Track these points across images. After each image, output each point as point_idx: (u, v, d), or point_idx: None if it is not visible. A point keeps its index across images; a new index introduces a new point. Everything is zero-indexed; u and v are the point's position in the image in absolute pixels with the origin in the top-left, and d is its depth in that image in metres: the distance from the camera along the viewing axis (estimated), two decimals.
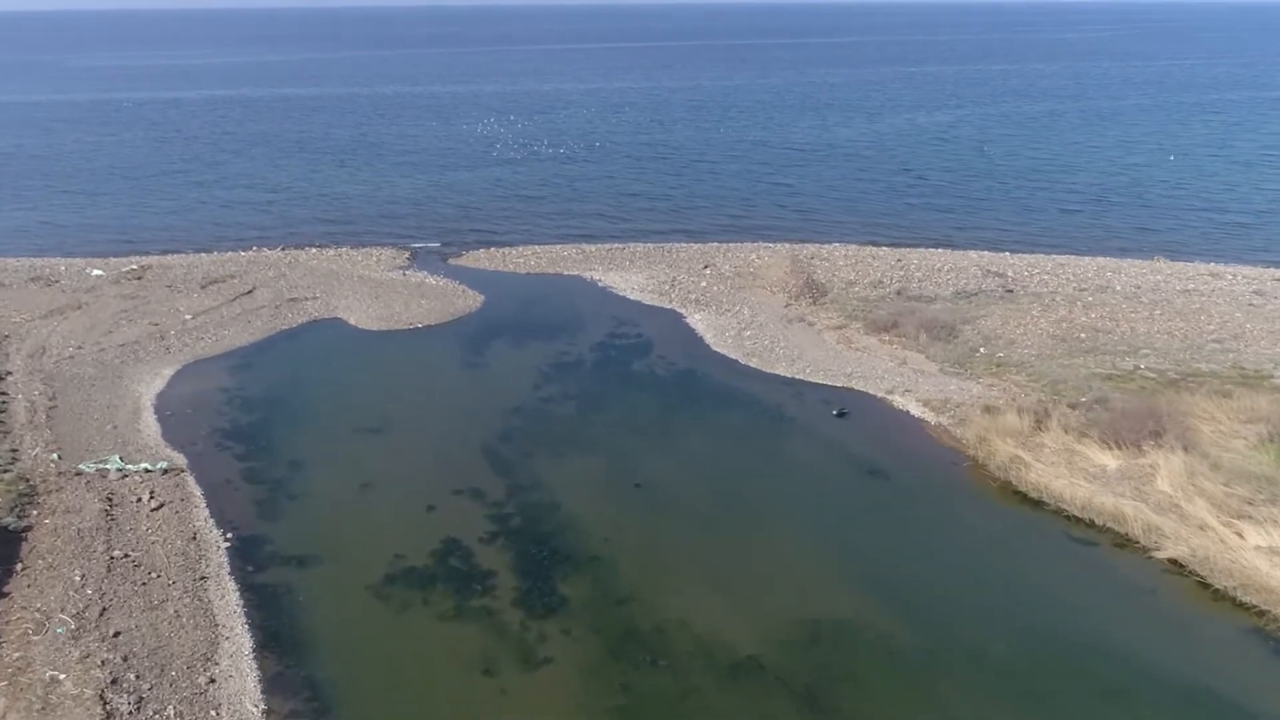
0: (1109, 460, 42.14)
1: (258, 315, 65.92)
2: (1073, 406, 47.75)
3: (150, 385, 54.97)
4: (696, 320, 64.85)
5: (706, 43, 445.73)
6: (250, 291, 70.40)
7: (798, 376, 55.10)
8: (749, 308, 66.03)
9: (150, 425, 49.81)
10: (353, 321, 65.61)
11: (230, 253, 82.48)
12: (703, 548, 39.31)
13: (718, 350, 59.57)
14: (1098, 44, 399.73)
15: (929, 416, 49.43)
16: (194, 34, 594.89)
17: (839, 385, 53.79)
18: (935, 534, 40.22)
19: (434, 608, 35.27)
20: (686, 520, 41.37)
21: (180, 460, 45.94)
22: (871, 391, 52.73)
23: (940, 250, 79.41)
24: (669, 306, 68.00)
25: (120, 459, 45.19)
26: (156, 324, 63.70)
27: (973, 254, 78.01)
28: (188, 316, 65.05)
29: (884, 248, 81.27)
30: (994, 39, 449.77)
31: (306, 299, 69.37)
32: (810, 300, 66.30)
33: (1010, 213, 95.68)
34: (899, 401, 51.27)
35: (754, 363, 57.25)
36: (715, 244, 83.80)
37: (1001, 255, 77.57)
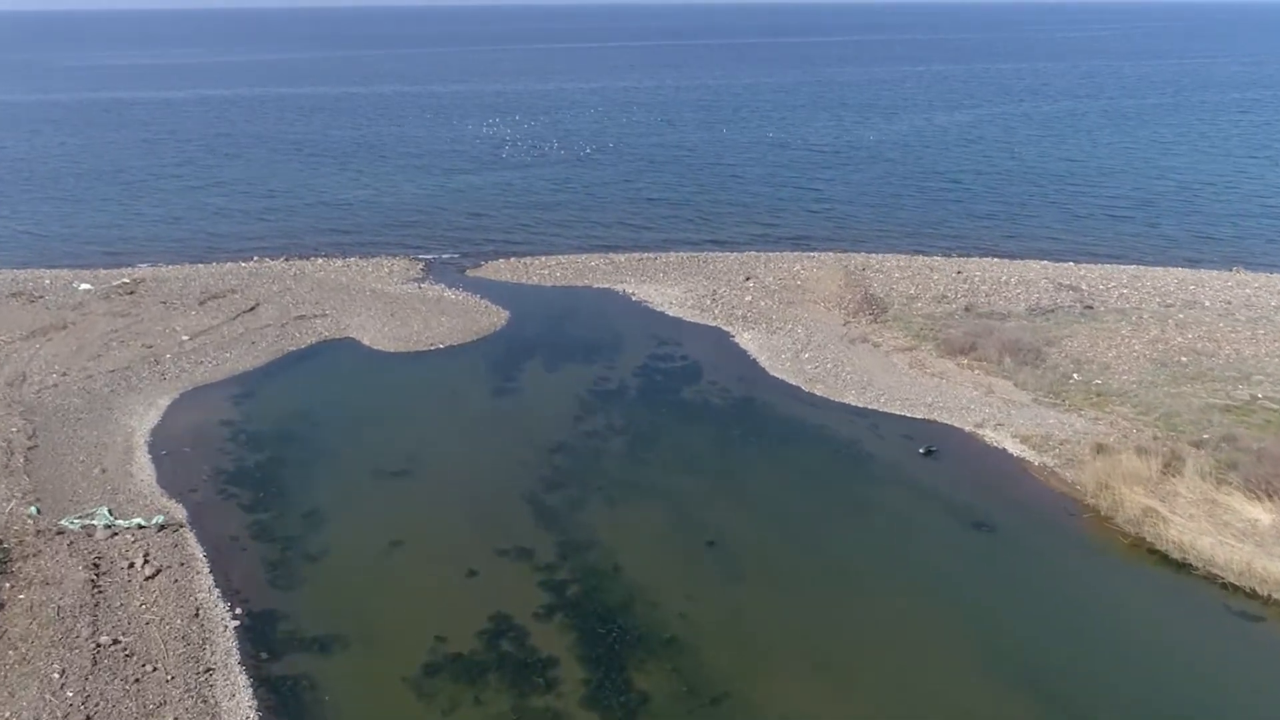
0: (1260, 513, 36.32)
1: (262, 335, 59.78)
2: (1196, 445, 41.95)
3: (144, 418, 48.84)
4: (746, 340, 58.92)
5: (706, 42, 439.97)
6: (253, 308, 64.25)
7: (871, 406, 49.20)
8: (803, 326, 60.09)
9: (144, 467, 43.72)
10: (367, 342, 59.55)
11: (230, 264, 76.30)
12: (797, 621, 33.39)
13: (776, 375, 53.63)
14: (1101, 43, 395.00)
15: (1030, 456, 43.57)
16: (187, 33, 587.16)
17: (919, 417, 47.92)
18: (1066, 603, 34.34)
19: (488, 708, 29.30)
20: (772, 586, 35.45)
21: (179, 512, 39.88)
22: (958, 425, 46.85)
23: (999, 260, 73.63)
24: (713, 324, 62.06)
25: (109, 512, 39.09)
26: (150, 346, 57.51)
27: (1035, 264, 72.24)
28: (185, 337, 58.87)
29: (935, 257, 75.46)
30: (997, 38, 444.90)
31: (315, 316, 63.23)
32: (870, 318, 60.42)
33: (1057, 219, 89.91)
34: (991, 437, 45.40)
35: (819, 390, 51.31)
36: (752, 253, 77.87)
37: (1066, 266, 71.86)
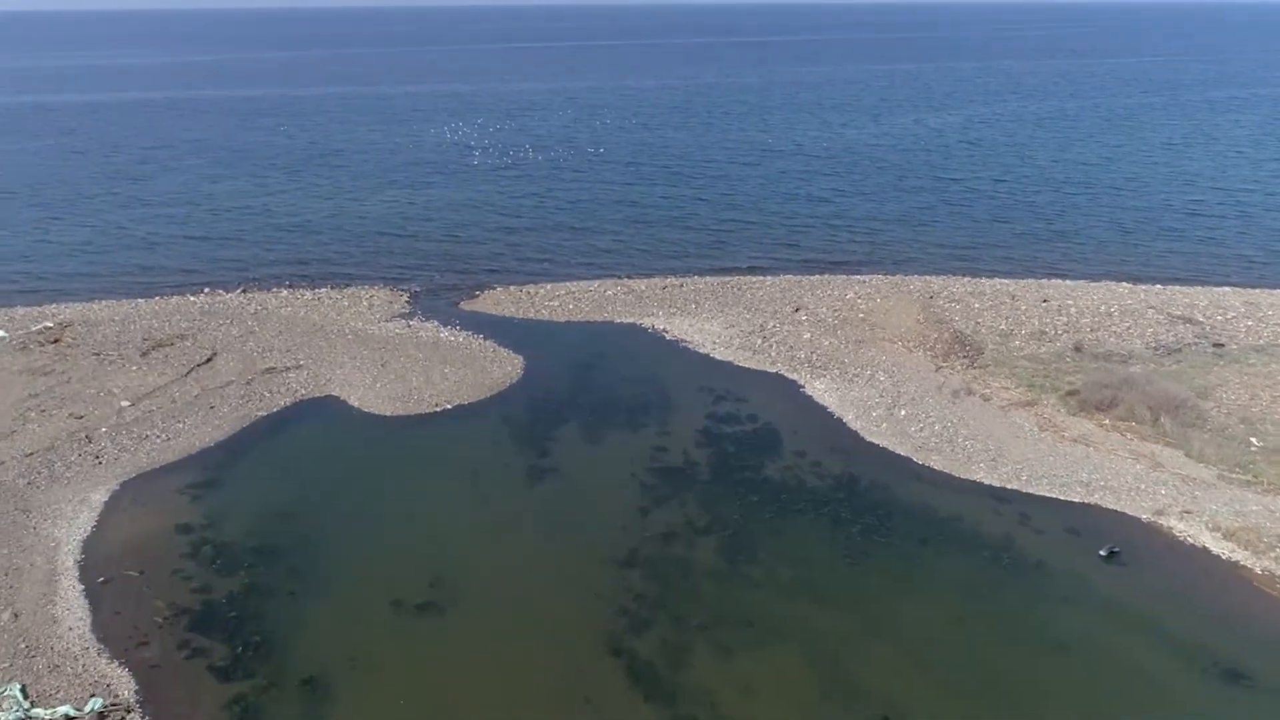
0: None
1: (223, 397, 47.96)
2: None
3: (73, 524, 37.08)
4: (821, 391, 48.62)
5: (660, 41, 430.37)
6: (209, 360, 52.30)
7: (1010, 486, 39.22)
8: (885, 373, 49.95)
9: (74, 607, 32.14)
10: (355, 402, 48.10)
11: (176, 298, 64.08)
12: None
13: (874, 441, 43.42)
14: (1058, 42, 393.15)
15: (1244, 558, 33.94)
16: (120, 33, 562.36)
17: (1075, 500, 38.07)
18: None
19: None
20: None
21: (125, 684, 28.54)
22: (1131, 512, 37.07)
23: (1080, 284, 64.38)
24: (773, 369, 51.68)
25: (22, 693, 27.54)
26: (81, 417, 45.43)
27: (1120, 288, 63.19)
28: (125, 403, 46.83)
29: (1000, 279, 66.00)
30: (952, 37, 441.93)
31: (288, 369, 51.52)
32: (965, 360, 50.52)
33: (1108, 233, 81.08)
34: (1181, 530, 35.66)
35: (936, 462, 41.19)
36: (788, 277, 67.68)
37: (1159, 290, 62.84)
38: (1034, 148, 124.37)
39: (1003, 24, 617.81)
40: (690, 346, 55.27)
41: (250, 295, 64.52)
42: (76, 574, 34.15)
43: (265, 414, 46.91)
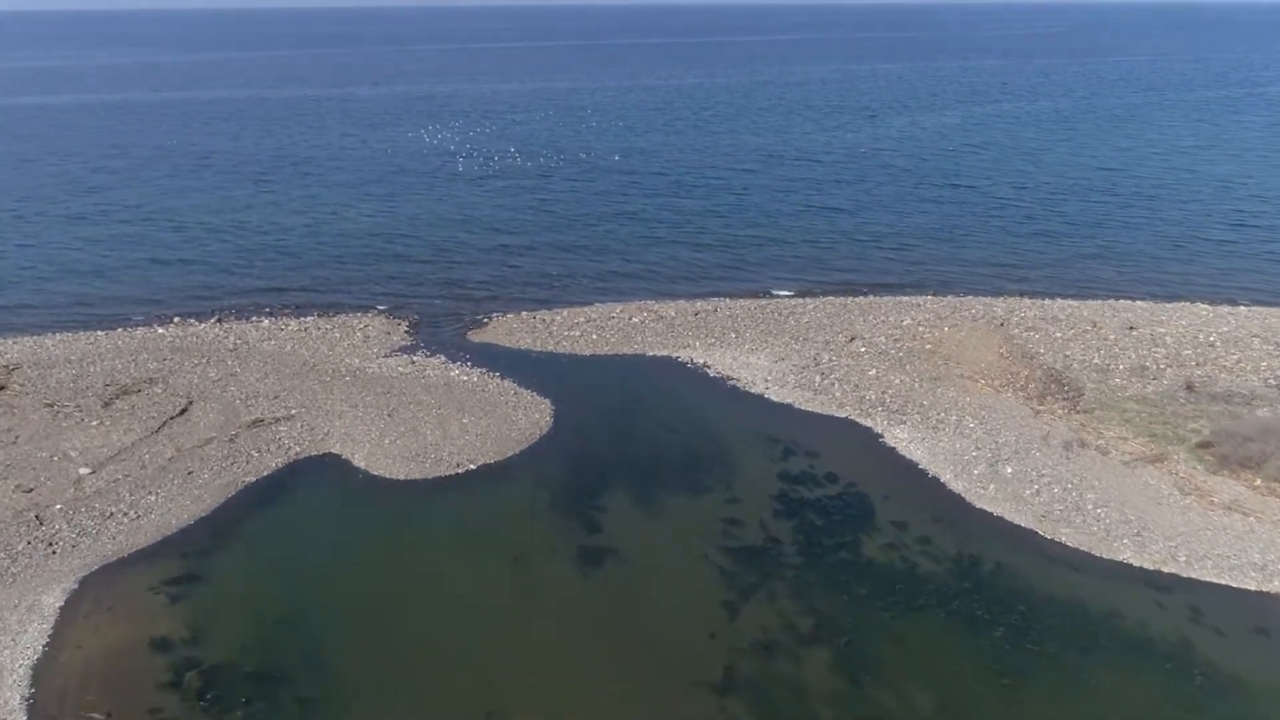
0: None
1: (203, 459, 40.35)
2: None
3: (19, 641, 29.60)
4: (904, 441, 42.00)
5: (631, 41, 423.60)
6: (184, 410, 44.60)
7: (1166, 570, 32.85)
8: (975, 418, 43.40)
9: None
10: (361, 462, 40.75)
11: (142, 330, 56.14)
12: None
13: (983, 507, 36.88)
14: (1030, 41, 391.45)
15: None
16: (75, 34, 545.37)
17: (1251, 589, 31.73)
18: None
19: None
20: None
21: None
22: None
23: (1156, 306, 58.33)
24: (841, 414, 44.94)
25: None
26: (30, 490, 37.66)
27: (1205, 309, 57.23)
28: (84, 470, 39.07)
29: (1062, 301, 59.91)
30: (929, 37, 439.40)
31: (278, 420, 43.98)
32: (1065, 403, 44.13)
33: (1158, 247, 75.29)
34: None
35: (1067, 537, 34.69)
36: (830, 299, 61.14)
37: (1254, 313, 56.96)
38: (1042, 151, 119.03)
39: (970, 24, 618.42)
40: (739, 385, 48.40)
41: (227, 326, 56.68)
42: (24, 716, 26.59)
43: (254, 479, 39.41)
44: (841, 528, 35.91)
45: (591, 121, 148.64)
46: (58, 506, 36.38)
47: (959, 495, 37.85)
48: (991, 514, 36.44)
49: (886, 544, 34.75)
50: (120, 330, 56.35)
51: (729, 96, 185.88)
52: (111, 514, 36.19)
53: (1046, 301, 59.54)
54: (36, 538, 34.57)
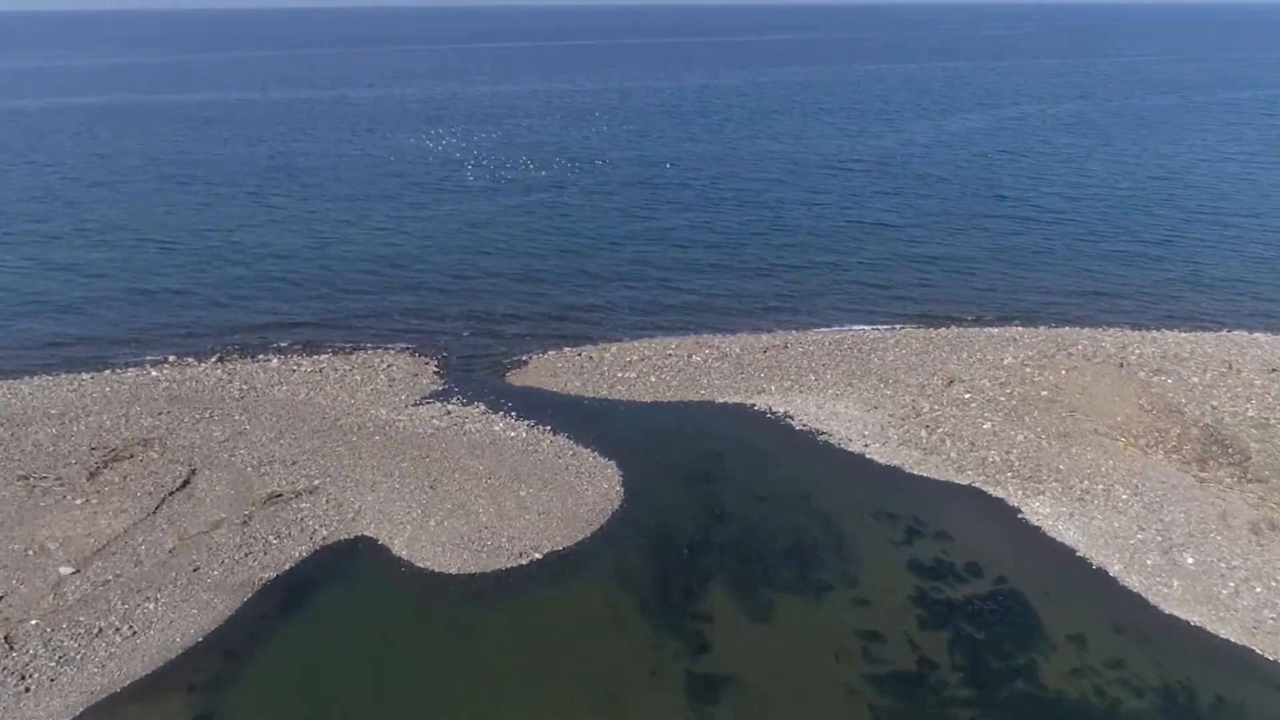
0: None
1: (212, 549, 33.25)
2: None
3: None
4: (1048, 519, 35.31)
5: (627, 41, 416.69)
6: (186, 482, 37.47)
7: None
8: (1126, 487, 36.74)
9: None
10: (403, 550, 33.77)
11: (132, 371, 48.98)
12: None
13: (1173, 614, 30.31)
14: (1033, 40, 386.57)
15: None
16: (63, 35, 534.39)
17: None
18: None
19: None
20: None
21: None
22: None
23: None
24: (962, 480, 38.27)
25: None
26: (0, 598, 30.51)
27: None
28: (66, 570, 31.91)
29: (1175, 333, 53.35)
30: (924, 36, 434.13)
31: (300, 493, 36.92)
32: (1231, 468, 37.53)
33: (1249, 268, 68.90)
34: None
35: None
36: (907, 331, 54.53)
37: None
38: (1083, 159, 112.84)
39: (966, 24, 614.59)
40: (832, 441, 41.63)
41: (230, 368, 49.52)
42: None
43: (274, 575, 32.39)
44: (1007, 644, 29.16)
45: (600, 126, 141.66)
46: (32, 623, 29.25)
47: (1137, 594, 31.18)
48: (1187, 623, 29.79)
49: (1071, 669, 28.02)
50: (107, 373, 49.14)
51: (736, 99, 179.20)
52: (100, 630, 29.10)
53: (1156, 334, 53.03)
54: (7, 669, 27.43)
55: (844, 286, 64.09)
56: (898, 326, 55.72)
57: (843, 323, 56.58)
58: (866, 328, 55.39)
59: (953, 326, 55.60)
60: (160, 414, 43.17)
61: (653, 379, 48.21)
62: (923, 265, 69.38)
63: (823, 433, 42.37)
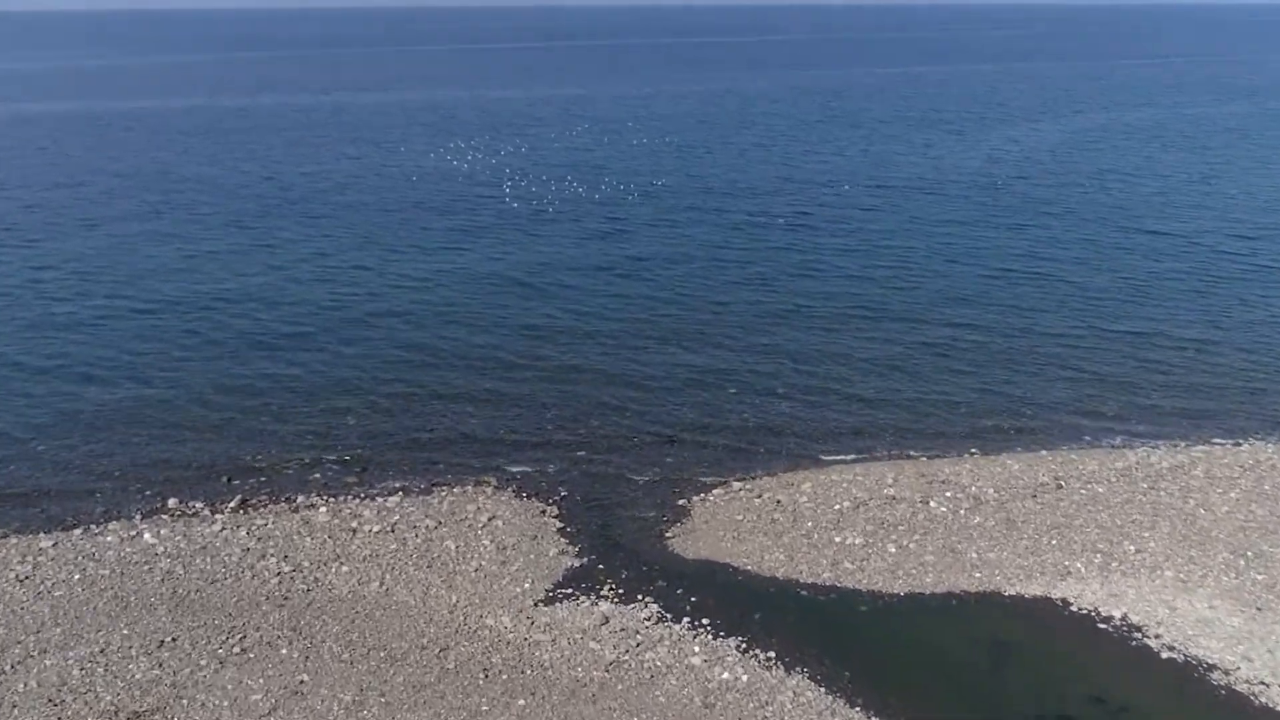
0: None
1: None
2: None
3: None
4: None
5: (628, 42, 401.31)
6: None
7: None
8: None
9: None
10: None
11: (112, 526, 33.13)
12: None
13: None
14: (1046, 42, 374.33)
15: None
16: (35, 38, 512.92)
17: None
18: None
19: None
20: None
21: None
22: None
23: None
24: None
25: None
26: None
27: None
28: None
29: None
30: (940, 38, 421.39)
31: None
32: None
33: None
34: None
35: None
36: (1218, 447, 39.09)
37: None
38: (1202, 178, 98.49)
39: (968, 25, 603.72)
40: (1228, 682, 26.21)
41: (258, 523, 33.55)
42: None
43: None
44: None
45: (636, 137, 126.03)
46: None
47: None
48: None
49: None
50: (76, 532, 33.09)
51: (770, 106, 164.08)
52: None
53: None
54: None
55: (1067, 378, 48.26)
56: (1185, 444, 40.30)
57: (1099, 437, 41.18)
58: (1142, 446, 39.96)
59: (1237, 442, 40.32)
60: (161, 645, 27.10)
61: (891, 549, 32.60)
62: (1164, 342, 52.99)
63: (1207, 662, 26.98)
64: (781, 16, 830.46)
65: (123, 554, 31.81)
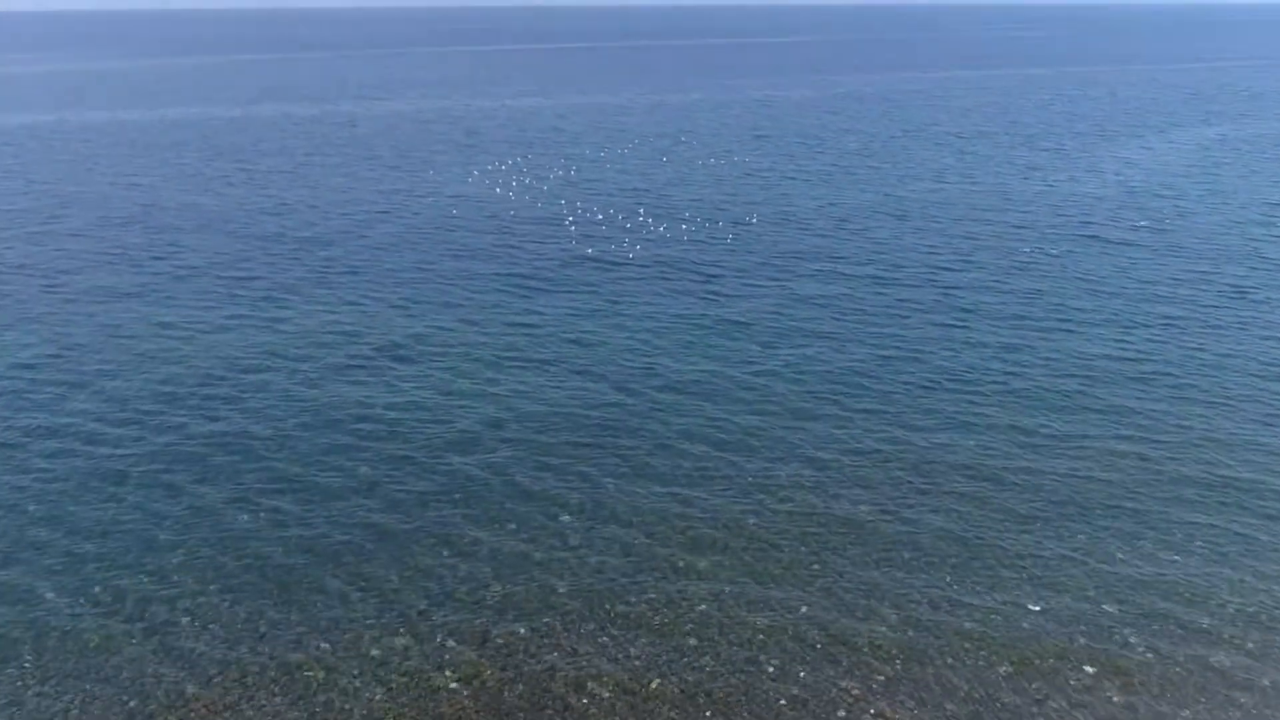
0: None
1: None
2: None
3: None
4: None
5: (634, 44, 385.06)
6: None
7: None
8: None
9: None
10: None
11: None
12: None
13: None
14: (1061, 45, 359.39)
15: None
16: (9, 40, 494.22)
17: None
18: None
19: None
20: None
21: None
22: None
23: None
24: None
25: None
26: None
27: None
28: None
29: None
30: (950, 39, 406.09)
31: None
32: None
33: None
34: None
35: None
36: None
37: None
38: None
39: (970, 25, 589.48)
40: None
41: None
42: None
43: None
44: None
45: (697, 157, 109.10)
46: None
47: None
48: None
49: None
50: None
51: (829, 119, 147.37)
52: None
53: None
54: None
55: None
56: None
57: None
58: None
59: None
60: None
61: None
62: None
63: None
64: (793, 16, 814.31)
65: None
